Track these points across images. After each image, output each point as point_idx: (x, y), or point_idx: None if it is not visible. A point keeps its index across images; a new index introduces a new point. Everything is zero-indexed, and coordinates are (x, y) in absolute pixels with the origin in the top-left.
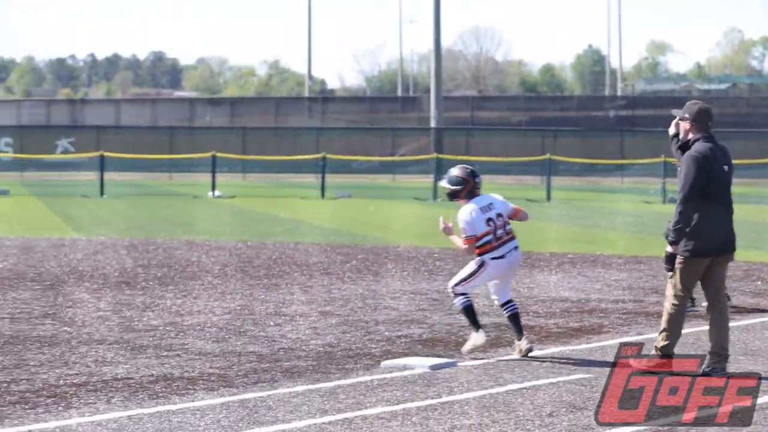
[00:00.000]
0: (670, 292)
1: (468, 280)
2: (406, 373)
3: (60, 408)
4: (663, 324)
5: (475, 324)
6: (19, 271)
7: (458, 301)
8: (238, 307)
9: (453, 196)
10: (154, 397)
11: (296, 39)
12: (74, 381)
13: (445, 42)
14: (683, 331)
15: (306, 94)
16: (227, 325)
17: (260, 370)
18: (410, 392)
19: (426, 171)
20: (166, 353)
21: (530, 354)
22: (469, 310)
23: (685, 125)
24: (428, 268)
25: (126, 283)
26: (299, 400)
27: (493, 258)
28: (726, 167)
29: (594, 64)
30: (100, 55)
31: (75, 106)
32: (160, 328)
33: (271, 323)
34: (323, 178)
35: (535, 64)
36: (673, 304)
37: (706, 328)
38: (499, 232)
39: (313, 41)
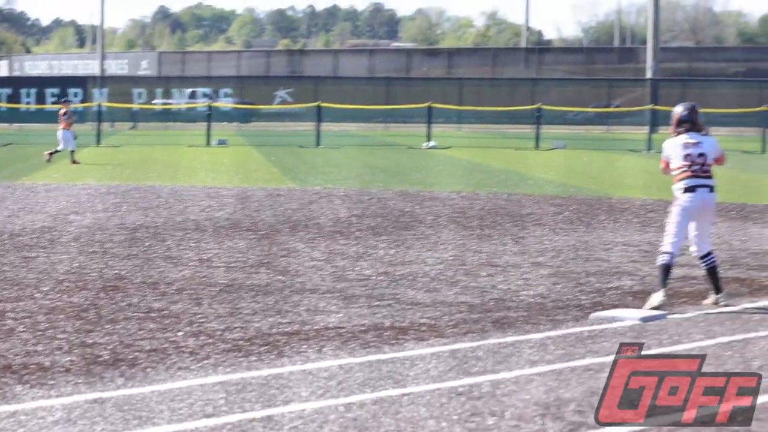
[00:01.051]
0: None
1: (668, 229)
2: (615, 325)
3: (272, 356)
4: None
5: (663, 282)
6: (235, 220)
7: (660, 258)
8: (450, 258)
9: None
10: (365, 346)
11: None
12: (287, 330)
13: None
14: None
15: (523, 45)
16: (439, 275)
17: (470, 320)
18: (620, 344)
19: (641, 122)
20: (377, 303)
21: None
22: (663, 269)
23: None
24: (641, 219)
25: (340, 233)
26: (509, 351)
27: (684, 190)
28: None
29: None
30: (319, 6)
31: (294, 56)
32: (373, 277)
33: (483, 273)
34: (538, 128)
35: (753, 15)
36: None
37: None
38: (695, 167)
39: None
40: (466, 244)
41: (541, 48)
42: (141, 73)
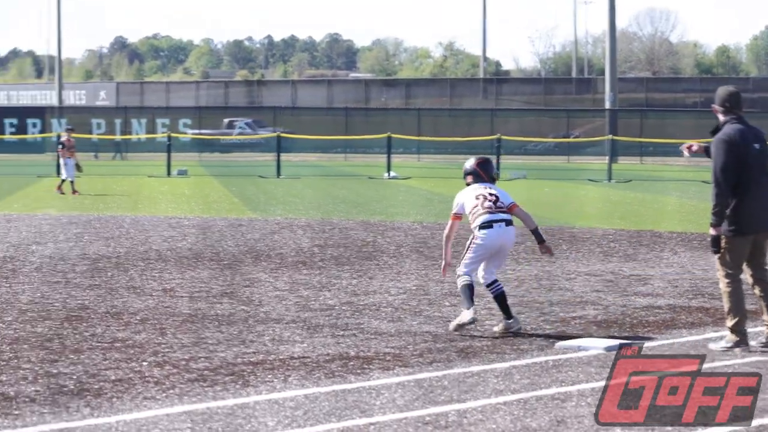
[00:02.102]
0: (721, 273)
1: (465, 257)
2: (580, 354)
3: (237, 386)
4: (726, 305)
5: (469, 301)
6: (197, 251)
7: (460, 280)
8: (414, 287)
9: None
10: (330, 376)
11: (471, 20)
12: (251, 359)
13: (620, 23)
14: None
15: (481, 75)
16: (403, 305)
17: (435, 350)
18: (585, 373)
19: (600, 152)
20: (342, 332)
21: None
22: (467, 289)
23: (716, 110)
24: (603, 249)
25: (302, 263)
26: (474, 380)
27: (480, 227)
28: (757, 146)
29: None
30: (277, 37)
31: (252, 87)
32: (337, 307)
33: (446, 303)
34: (498, 159)
35: (710, 46)
36: (728, 284)
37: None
38: (487, 203)
39: (488, 22)
40: (429, 274)
41: (499, 78)
42: (99, 103)
